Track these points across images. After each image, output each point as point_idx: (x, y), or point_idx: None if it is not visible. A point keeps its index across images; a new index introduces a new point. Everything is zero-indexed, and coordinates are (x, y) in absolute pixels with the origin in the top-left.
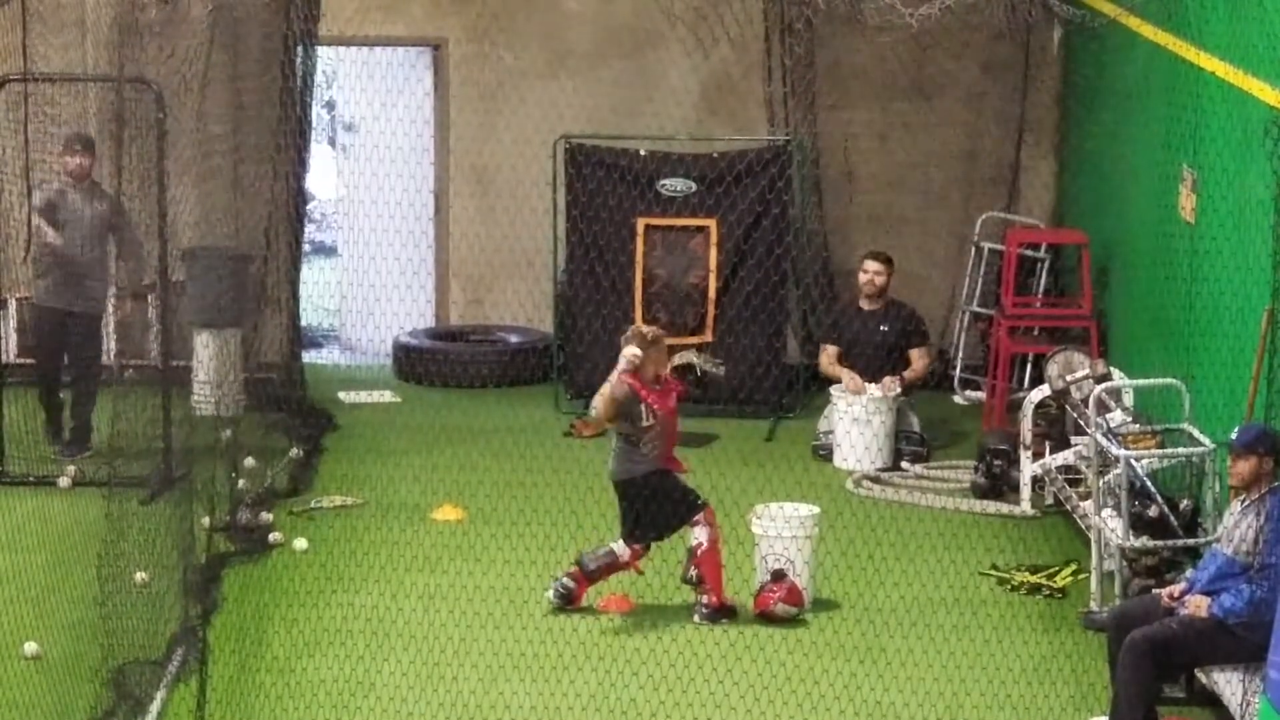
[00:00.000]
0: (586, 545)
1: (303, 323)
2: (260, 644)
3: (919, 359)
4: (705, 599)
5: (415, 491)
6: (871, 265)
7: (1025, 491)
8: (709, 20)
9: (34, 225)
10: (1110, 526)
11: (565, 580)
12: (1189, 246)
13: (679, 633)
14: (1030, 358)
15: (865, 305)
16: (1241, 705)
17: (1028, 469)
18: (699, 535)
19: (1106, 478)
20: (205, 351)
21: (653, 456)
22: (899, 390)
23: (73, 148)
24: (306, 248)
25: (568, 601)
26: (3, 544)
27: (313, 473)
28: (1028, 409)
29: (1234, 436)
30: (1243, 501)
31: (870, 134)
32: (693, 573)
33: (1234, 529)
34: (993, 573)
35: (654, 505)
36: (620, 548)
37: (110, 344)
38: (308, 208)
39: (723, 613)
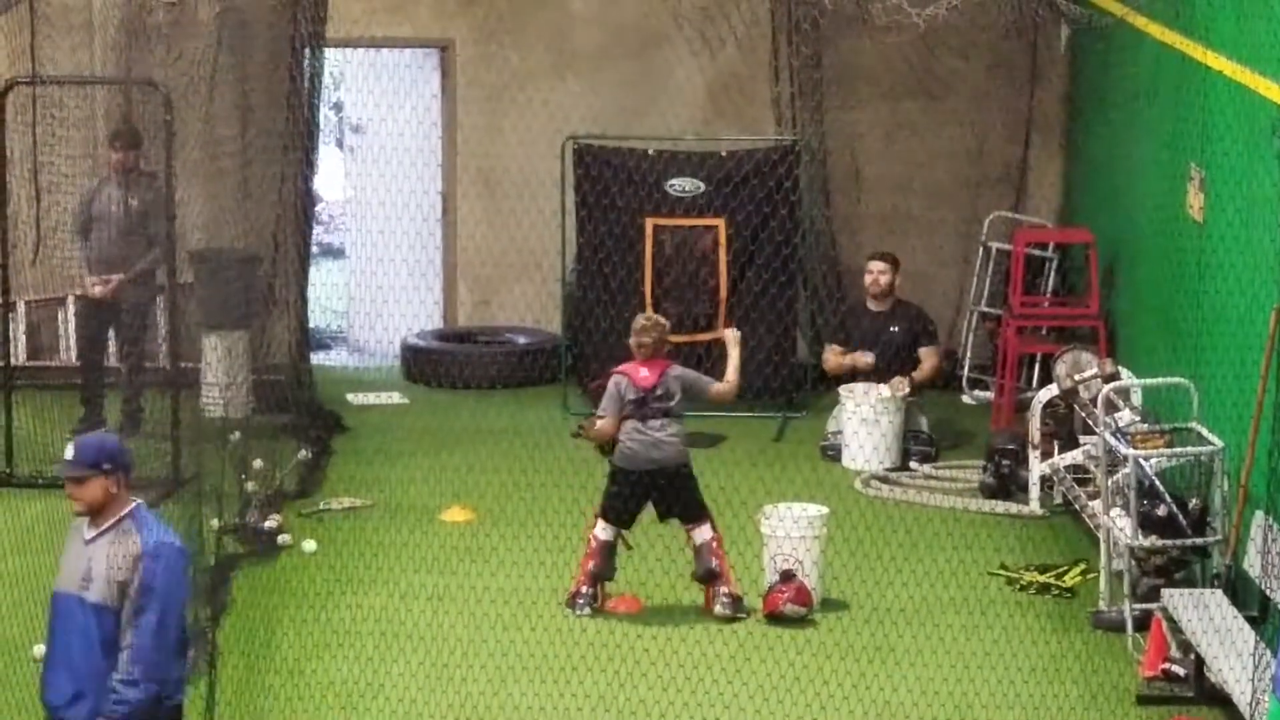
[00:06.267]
0: None
1: (311, 324)
2: (269, 645)
3: (929, 358)
4: (726, 589)
5: (424, 493)
6: (876, 265)
7: (1034, 491)
8: (715, 20)
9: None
10: (1119, 526)
11: (584, 590)
12: (1197, 245)
13: (688, 633)
14: (1038, 357)
15: (873, 306)
16: (1251, 704)
17: (1036, 469)
18: (706, 531)
19: (1115, 477)
20: (213, 353)
21: None
22: (908, 390)
23: (114, 143)
24: (314, 249)
25: (595, 607)
26: (12, 546)
27: (321, 474)
28: (1036, 408)
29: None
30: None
31: (877, 134)
32: (713, 564)
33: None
34: (1001, 572)
35: (697, 485)
36: (604, 530)
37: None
38: (315, 209)
39: (742, 603)
